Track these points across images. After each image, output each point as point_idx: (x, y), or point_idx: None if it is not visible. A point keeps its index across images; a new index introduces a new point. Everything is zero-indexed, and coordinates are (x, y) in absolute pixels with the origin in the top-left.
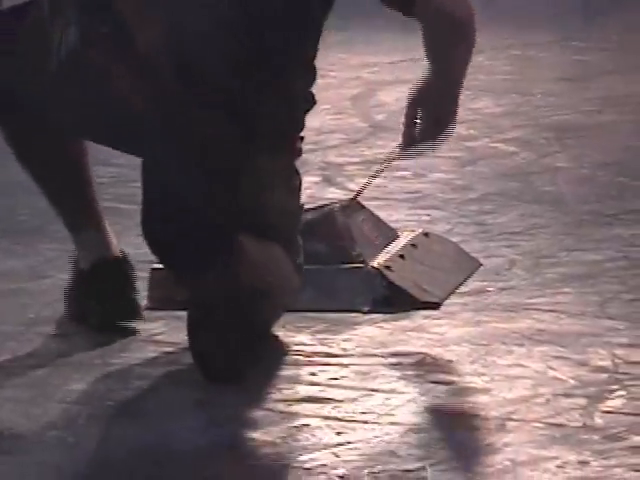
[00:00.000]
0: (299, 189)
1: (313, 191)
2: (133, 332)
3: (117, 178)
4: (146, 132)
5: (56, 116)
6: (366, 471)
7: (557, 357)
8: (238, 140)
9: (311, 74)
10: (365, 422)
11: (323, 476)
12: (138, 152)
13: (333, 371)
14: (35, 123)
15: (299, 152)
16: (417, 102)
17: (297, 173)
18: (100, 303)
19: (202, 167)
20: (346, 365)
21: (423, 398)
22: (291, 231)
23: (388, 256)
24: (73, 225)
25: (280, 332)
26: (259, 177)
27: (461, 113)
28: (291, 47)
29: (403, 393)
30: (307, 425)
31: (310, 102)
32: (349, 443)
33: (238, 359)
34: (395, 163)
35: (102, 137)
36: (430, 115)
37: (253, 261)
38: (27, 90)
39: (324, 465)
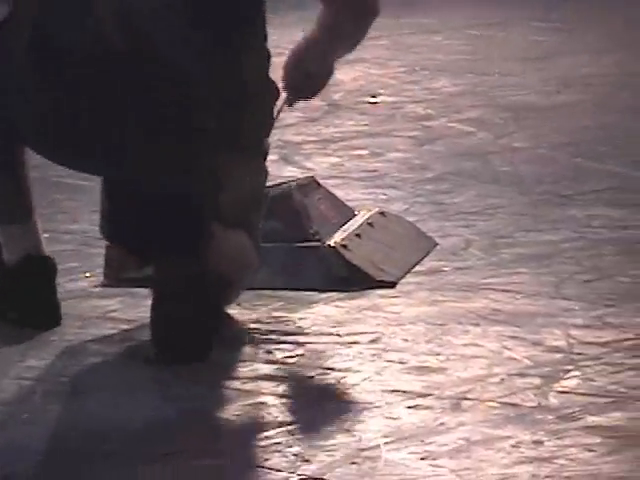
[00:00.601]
0: (265, 179)
1: (271, 169)
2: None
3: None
4: (111, 118)
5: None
6: (321, 449)
7: (512, 337)
8: (206, 131)
9: (262, 54)
10: (321, 400)
11: (278, 454)
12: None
13: (289, 349)
14: None
15: (267, 147)
16: (295, 61)
17: (265, 166)
18: (23, 300)
19: (175, 159)
20: (302, 344)
21: (378, 377)
22: (256, 218)
23: (345, 235)
24: (2, 217)
25: (236, 310)
26: (229, 168)
27: (419, 92)
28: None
29: (358, 372)
30: (263, 403)
31: (272, 91)
32: (304, 421)
33: (202, 343)
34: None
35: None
36: (302, 73)
37: (222, 249)
38: None
39: (279, 443)
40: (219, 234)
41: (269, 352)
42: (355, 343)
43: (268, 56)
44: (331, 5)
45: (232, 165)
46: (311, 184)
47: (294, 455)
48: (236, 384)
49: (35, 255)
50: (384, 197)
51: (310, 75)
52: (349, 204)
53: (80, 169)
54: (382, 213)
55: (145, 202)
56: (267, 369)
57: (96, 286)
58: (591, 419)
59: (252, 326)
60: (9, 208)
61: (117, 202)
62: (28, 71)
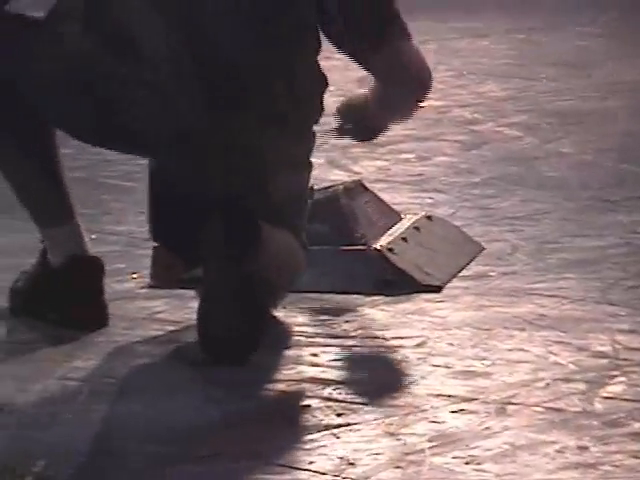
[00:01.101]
0: (309, 176)
1: (317, 173)
2: (102, 325)
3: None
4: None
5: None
6: (366, 453)
7: (558, 342)
8: (254, 130)
9: (314, 48)
10: (366, 404)
11: (323, 457)
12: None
13: (334, 352)
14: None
15: (313, 137)
16: (350, 111)
17: (310, 161)
18: (70, 301)
19: (224, 158)
20: (347, 347)
21: (424, 381)
22: (301, 217)
23: (391, 238)
24: (43, 220)
25: (282, 313)
26: (277, 164)
27: (466, 97)
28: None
29: (404, 376)
30: (308, 406)
31: (321, 82)
32: (349, 425)
33: (248, 343)
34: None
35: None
36: (358, 125)
37: (270, 251)
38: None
39: (324, 446)
40: (267, 235)
41: (314, 355)
42: (400, 347)
43: (319, 48)
44: (383, 82)
45: (278, 160)
46: (358, 187)
47: (339, 458)
48: (281, 386)
49: (81, 255)
50: (430, 201)
51: (367, 129)
52: (395, 208)
53: (123, 153)
54: (428, 217)
55: (192, 203)
56: (312, 372)
57: (143, 287)
58: (637, 425)
59: (297, 329)
60: (49, 211)
61: (164, 203)
62: (80, 57)
